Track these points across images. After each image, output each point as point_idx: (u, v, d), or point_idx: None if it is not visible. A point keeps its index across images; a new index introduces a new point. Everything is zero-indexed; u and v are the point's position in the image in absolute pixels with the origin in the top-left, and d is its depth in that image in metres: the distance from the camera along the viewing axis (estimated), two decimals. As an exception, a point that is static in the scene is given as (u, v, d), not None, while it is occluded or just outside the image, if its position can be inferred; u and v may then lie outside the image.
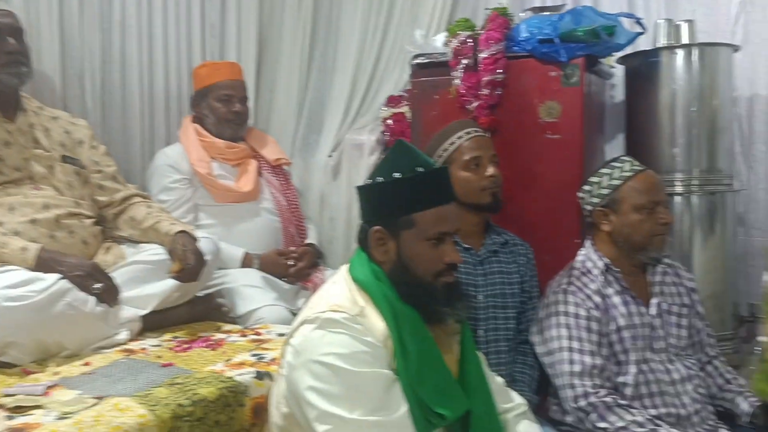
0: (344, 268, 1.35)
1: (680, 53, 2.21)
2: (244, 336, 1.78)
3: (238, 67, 2.51)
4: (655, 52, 2.26)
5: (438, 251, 1.29)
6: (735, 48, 2.27)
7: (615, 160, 1.84)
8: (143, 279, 1.84)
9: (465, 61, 2.15)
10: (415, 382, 1.22)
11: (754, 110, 2.41)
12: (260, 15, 2.84)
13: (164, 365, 1.52)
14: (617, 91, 2.55)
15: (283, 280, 2.27)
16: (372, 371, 1.19)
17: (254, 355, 1.59)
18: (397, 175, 1.27)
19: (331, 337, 1.20)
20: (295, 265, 2.29)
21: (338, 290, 1.30)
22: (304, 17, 2.87)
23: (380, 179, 1.29)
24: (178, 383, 1.38)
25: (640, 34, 2.18)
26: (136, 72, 2.50)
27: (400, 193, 1.28)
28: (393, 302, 1.26)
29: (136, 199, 2.07)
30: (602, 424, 1.58)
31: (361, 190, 1.35)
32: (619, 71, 2.46)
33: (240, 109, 2.41)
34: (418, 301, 1.28)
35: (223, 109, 2.38)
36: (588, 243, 1.83)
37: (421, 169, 1.28)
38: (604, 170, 1.81)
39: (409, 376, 1.22)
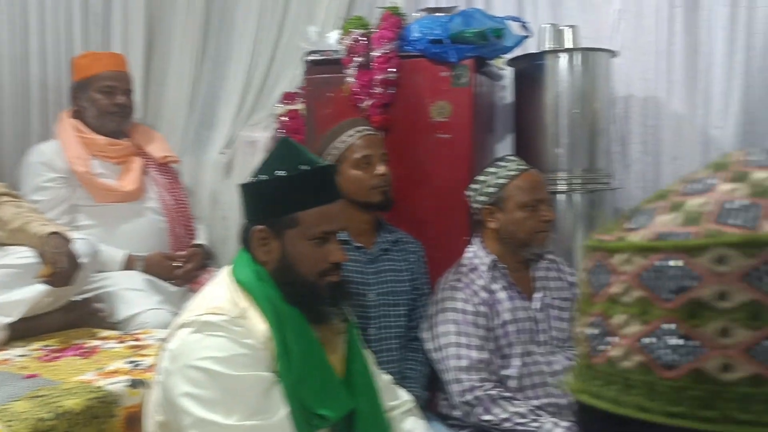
0: (226, 269, 1.31)
1: (563, 57, 2.29)
2: (122, 342, 1.69)
3: (121, 57, 2.38)
4: (540, 55, 2.34)
5: (322, 250, 1.27)
6: (613, 53, 2.39)
7: (501, 159, 1.89)
8: (9, 284, 1.71)
9: (358, 59, 2.15)
10: (296, 383, 1.20)
11: (630, 113, 2.54)
12: (149, 3, 2.71)
13: (28, 377, 1.41)
14: (507, 92, 2.63)
15: (170, 283, 2.18)
16: (251, 374, 1.16)
17: (130, 362, 1.51)
18: (280, 173, 1.24)
19: (208, 340, 1.16)
20: (181, 267, 2.20)
21: (219, 292, 1.26)
22: (197, 7, 2.76)
23: (263, 177, 1.26)
24: (41, 395, 1.28)
25: (526, 37, 2.25)
26: (8, 62, 2.33)
27: (284, 191, 1.25)
28: (276, 303, 1.23)
29: (4, 199, 1.91)
30: (487, 417, 1.63)
31: (244, 188, 1.31)
32: (509, 73, 2.54)
33: (123, 101, 2.28)
34: (302, 301, 1.26)
35: (104, 101, 2.24)
36: (476, 240, 1.87)
37: (305, 167, 1.25)
38: (490, 169, 1.85)
39: (291, 377, 1.20)
